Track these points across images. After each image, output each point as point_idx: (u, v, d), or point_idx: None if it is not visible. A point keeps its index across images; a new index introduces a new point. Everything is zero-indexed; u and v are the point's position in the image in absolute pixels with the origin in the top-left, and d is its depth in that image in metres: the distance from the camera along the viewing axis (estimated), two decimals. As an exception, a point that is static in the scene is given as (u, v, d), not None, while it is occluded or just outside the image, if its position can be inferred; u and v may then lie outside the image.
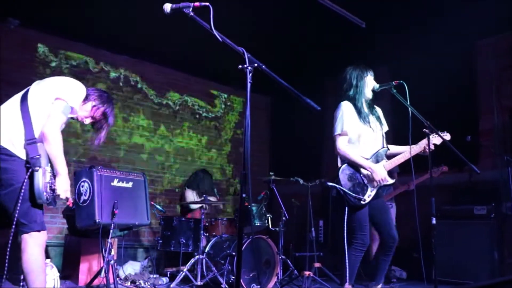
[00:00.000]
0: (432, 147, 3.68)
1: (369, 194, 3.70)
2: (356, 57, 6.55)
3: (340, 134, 3.76)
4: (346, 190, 3.67)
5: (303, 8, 5.62)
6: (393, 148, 3.91)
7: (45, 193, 2.88)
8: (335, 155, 3.89)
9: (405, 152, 3.79)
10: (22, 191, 2.82)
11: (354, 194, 3.66)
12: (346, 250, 3.67)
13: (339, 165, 3.84)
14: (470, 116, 6.19)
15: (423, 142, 3.69)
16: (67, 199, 3.11)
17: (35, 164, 2.85)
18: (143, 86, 7.45)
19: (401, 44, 6.30)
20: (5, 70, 5.78)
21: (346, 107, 3.79)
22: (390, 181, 3.78)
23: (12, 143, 2.89)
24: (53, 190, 3.01)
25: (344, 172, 3.76)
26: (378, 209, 3.77)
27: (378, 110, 4.01)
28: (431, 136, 3.65)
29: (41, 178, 2.85)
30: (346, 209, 3.69)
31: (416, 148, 3.72)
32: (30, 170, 2.85)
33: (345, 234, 3.66)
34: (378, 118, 3.93)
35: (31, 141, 2.90)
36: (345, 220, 3.68)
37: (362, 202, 3.66)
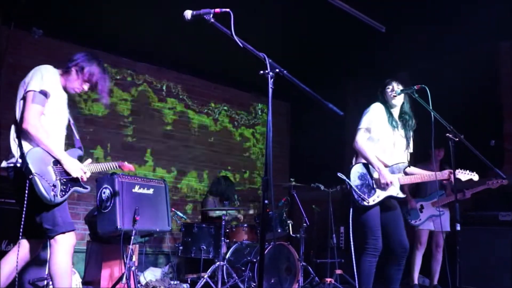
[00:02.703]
0: (447, 177, 3.66)
1: (374, 198, 3.65)
2: (377, 61, 6.54)
3: (363, 129, 3.77)
4: (353, 186, 3.65)
5: (323, 13, 5.59)
6: (415, 170, 3.87)
7: (52, 193, 2.90)
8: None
9: (427, 174, 3.76)
10: (25, 203, 2.83)
11: (359, 193, 3.63)
12: (353, 254, 3.67)
13: (353, 161, 3.85)
14: (494, 120, 6.09)
15: (446, 172, 3.67)
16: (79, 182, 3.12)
17: (27, 173, 2.85)
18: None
19: (422, 47, 6.23)
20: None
21: (377, 106, 3.83)
22: (401, 195, 3.74)
23: (16, 158, 2.95)
24: (67, 183, 3.02)
25: (356, 169, 3.77)
26: (393, 221, 3.73)
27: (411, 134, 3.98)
28: (457, 172, 3.63)
29: (40, 183, 2.85)
30: (351, 209, 3.68)
31: (439, 176, 3.69)
32: (27, 182, 2.84)
33: (351, 236, 3.65)
34: (408, 137, 3.91)
35: (21, 153, 2.92)
36: (350, 220, 3.65)
37: (365, 203, 3.62)
